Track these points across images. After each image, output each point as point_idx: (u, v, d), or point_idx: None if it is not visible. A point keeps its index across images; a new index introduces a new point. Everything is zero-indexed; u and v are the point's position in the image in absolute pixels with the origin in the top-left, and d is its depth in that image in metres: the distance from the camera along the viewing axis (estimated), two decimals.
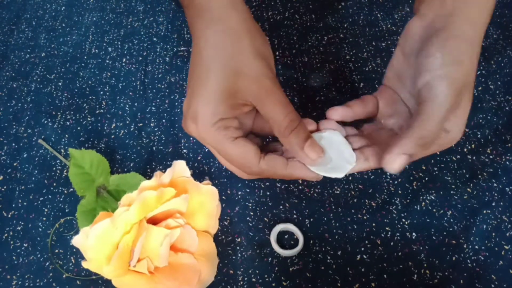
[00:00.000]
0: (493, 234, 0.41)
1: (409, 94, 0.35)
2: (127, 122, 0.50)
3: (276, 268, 0.40)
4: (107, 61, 0.56)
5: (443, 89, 0.30)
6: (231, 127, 0.32)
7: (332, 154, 0.34)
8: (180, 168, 0.38)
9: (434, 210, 0.43)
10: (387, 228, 0.42)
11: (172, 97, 0.52)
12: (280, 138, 0.32)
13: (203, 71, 0.32)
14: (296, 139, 0.31)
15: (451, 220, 0.42)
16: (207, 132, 0.31)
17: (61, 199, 0.44)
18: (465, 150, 0.47)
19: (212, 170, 0.46)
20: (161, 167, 0.46)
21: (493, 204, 0.43)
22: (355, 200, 0.44)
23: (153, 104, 0.52)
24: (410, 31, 0.35)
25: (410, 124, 0.32)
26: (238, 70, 0.31)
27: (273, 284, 0.39)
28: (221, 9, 0.32)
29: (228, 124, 0.32)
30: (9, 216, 0.43)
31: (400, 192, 0.44)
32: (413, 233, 0.42)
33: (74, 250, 0.41)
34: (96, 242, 0.34)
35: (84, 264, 0.35)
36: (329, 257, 0.40)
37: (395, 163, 0.31)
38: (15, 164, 0.47)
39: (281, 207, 0.43)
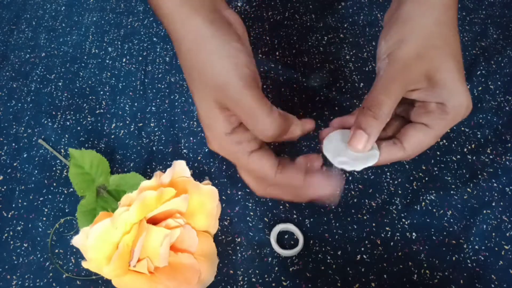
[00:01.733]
0: (493, 234, 0.41)
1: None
2: (127, 122, 0.50)
3: (276, 268, 0.40)
4: (107, 61, 0.56)
5: (385, 67, 0.32)
6: (243, 142, 0.31)
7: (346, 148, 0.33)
8: (180, 168, 0.38)
9: (434, 210, 0.43)
10: (387, 228, 0.42)
11: (172, 97, 0.52)
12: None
13: (192, 94, 0.32)
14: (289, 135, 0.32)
15: (451, 220, 0.42)
16: (223, 150, 0.31)
17: (61, 199, 0.44)
18: (465, 150, 0.47)
19: (212, 170, 0.46)
20: (161, 167, 0.46)
21: (493, 204, 0.43)
22: (355, 200, 0.44)
23: (153, 104, 0.52)
24: (384, 21, 0.36)
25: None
26: (208, 83, 0.30)
27: (273, 284, 0.39)
28: (178, 29, 0.31)
29: (240, 139, 0.31)
30: (9, 216, 0.43)
31: (400, 192, 0.44)
32: (413, 233, 0.42)
33: (74, 250, 0.41)
34: (96, 242, 0.34)
35: (84, 264, 0.35)
36: (329, 257, 0.40)
37: (355, 141, 0.32)
38: (15, 164, 0.47)
39: (281, 207, 0.43)
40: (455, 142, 0.47)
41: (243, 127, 0.31)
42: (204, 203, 0.38)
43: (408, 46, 0.31)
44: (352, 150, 0.32)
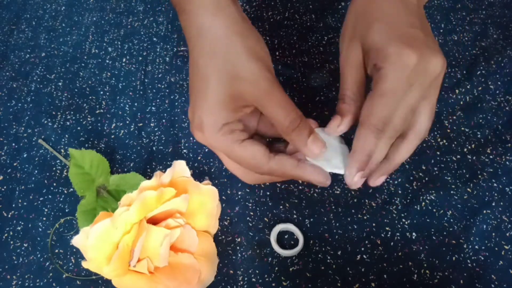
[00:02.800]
0: (493, 234, 0.41)
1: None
2: (127, 122, 0.50)
3: (276, 268, 0.40)
4: (107, 61, 0.56)
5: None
6: (236, 130, 0.32)
7: (337, 150, 0.34)
8: (180, 168, 0.38)
9: (434, 210, 0.43)
10: (387, 228, 0.42)
11: (172, 97, 0.52)
12: (284, 137, 0.33)
13: (201, 79, 0.32)
14: (298, 136, 0.32)
15: (451, 220, 0.42)
16: (214, 138, 0.32)
17: (61, 199, 0.44)
18: (465, 150, 0.47)
19: (212, 170, 0.46)
20: (161, 167, 0.46)
21: (493, 204, 0.43)
22: (355, 200, 0.44)
23: (153, 104, 0.52)
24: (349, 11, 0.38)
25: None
26: (234, 75, 0.31)
27: (273, 284, 0.39)
28: (209, 14, 0.32)
29: (233, 127, 0.32)
30: (9, 216, 0.43)
31: (400, 192, 0.44)
32: (413, 233, 0.42)
33: (74, 250, 0.41)
34: (96, 242, 0.34)
35: (84, 264, 0.35)
36: (329, 257, 0.40)
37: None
38: (15, 164, 0.47)
39: (281, 207, 0.43)
40: (455, 142, 0.48)
41: (236, 121, 0.33)
42: (204, 203, 0.38)
43: (379, 24, 0.33)
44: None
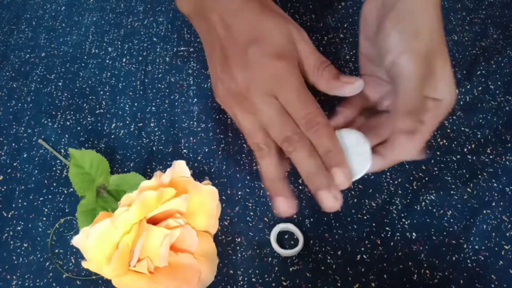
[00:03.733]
0: (493, 234, 0.41)
1: (385, 73, 0.36)
2: (127, 122, 0.50)
3: (276, 268, 0.40)
4: (107, 61, 0.56)
5: (406, 63, 0.33)
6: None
7: (351, 153, 0.35)
8: (180, 168, 0.38)
9: (434, 210, 0.43)
10: (387, 228, 0.42)
11: (172, 97, 0.52)
12: (316, 79, 0.36)
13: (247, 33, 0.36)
14: (330, 72, 0.36)
15: (451, 220, 0.42)
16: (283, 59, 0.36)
17: (61, 199, 0.44)
18: (465, 150, 0.47)
19: (212, 170, 0.46)
20: (161, 167, 0.46)
21: (493, 204, 0.43)
22: (355, 200, 0.44)
23: (153, 104, 0.52)
24: (366, 15, 0.38)
25: (393, 104, 0.34)
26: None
27: (273, 284, 0.39)
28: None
29: None
30: (9, 216, 0.43)
31: (400, 192, 0.44)
32: (413, 233, 0.42)
33: (74, 250, 0.41)
34: (96, 242, 0.34)
35: (84, 264, 0.35)
36: (329, 257, 0.40)
37: (402, 145, 0.33)
38: (15, 164, 0.47)
39: None
40: (455, 142, 0.48)
41: None
42: (204, 203, 0.38)
43: (423, 41, 0.33)
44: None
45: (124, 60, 0.56)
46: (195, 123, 0.50)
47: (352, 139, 0.35)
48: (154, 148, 0.48)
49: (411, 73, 0.33)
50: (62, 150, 0.48)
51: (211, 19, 0.36)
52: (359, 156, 0.35)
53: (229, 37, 0.35)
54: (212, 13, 0.36)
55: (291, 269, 0.40)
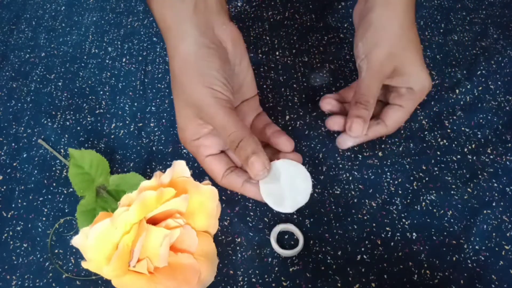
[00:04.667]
0: (494, 234, 0.41)
1: None
2: (127, 122, 0.50)
3: (276, 269, 0.40)
4: (107, 61, 0.56)
5: (364, 66, 0.42)
6: (201, 146, 0.39)
7: (285, 184, 0.37)
8: (180, 168, 0.38)
9: (435, 210, 0.43)
10: (387, 228, 0.42)
11: (172, 97, 0.52)
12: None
13: (174, 101, 0.39)
14: (240, 156, 0.36)
15: (452, 220, 0.42)
16: (189, 148, 0.40)
17: (61, 199, 0.44)
18: (465, 150, 0.47)
19: None
20: (161, 167, 0.46)
21: (494, 204, 0.43)
22: (355, 200, 0.44)
23: (153, 104, 0.52)
24: (354, 17, 0.46)
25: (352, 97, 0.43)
26: (188, 100, 0.37)
27: (273, 285, 0.39)
28: (172, 46, 0.37)
29: (200, 143, 0.39)
30: (9, 216, 0.43)
31: (400, 192, 0.44)
32: (414, 233, 0.42)
33: (74, 250, 0.41)
34: (96, 242, 0.34)
35: (84, 264, 0.35)
36: (329, 257, 0.40)
37: (354, 127, 0.40)
38: (14, 164, 0.47)
39: None
40: (455, 142, 0.47)
41: (206, 135, 0.38)
42: (204, 203, 0.38)
43: (382, 49, 0.41)
44: (353, 134, 0.41)
45: (124, 60, 0.56)
46: None
47: (292, 170, 0.38)
48: (154, 148, 0.48)
49: (366, 74, 0.42)
50: (62, 150, 0.48)
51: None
52: (301, 184, 0.38)
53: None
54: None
55: (291, 269, 0.40)
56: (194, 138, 0.39)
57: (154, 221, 0.37)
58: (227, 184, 0.39)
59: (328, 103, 0.45)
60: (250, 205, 0.44)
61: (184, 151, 0.47)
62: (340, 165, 0.46)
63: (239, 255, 0.41)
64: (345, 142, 0.43)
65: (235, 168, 0.40)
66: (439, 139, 0.48)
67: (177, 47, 0.37)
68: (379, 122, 0.43)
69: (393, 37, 0.41)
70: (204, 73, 0.36)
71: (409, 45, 0.41)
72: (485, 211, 0.42)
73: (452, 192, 0.44)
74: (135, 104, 0.52)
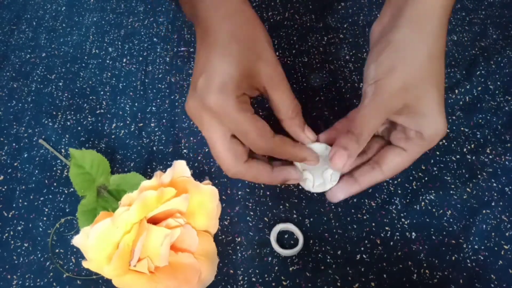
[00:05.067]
0: (493, 234, 0.41)
1: None
2: (128, 122, 0.50)
3: (276, 268, 0.40)
4: (108, 61, 0.56)
5: (371, 95, 0.33)
6: (249, 103, 0.34)
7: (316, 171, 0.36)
8: (180, 168, 0.38)
9: (434, 210, 0.43)
10: (386, 228, 0.42)
11: (172, 97, 0.52)
12: (286, 121, 0.35)
13: (223, 54, 0.32)
14: (299, 121, 0.35)
15: (451, 220, 0.42)
16: (229, 104, 0.31)
17: (62, 199, 0.44)
18: (465, 150, 0.47)
19: (212, 170, 0.46)
20: (161, 167, 0.46)
21: (493, 204, 0.43)
22: (354, 200, 0.44)
23: (154, 104, 0.52)
24: (371, 34, 0.37)
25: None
26: (258, 55, 0.33)
27: (273, 284, 0.39)
28: (237, 3, 0.34)
29: (247, 100, 0.33)
30: (10, 216, 0.43)
31: (399, 192, 0.44)
32: (413, 233, 0.42)
33: (75, 250, 0.41)
34: (97, 242, 0.34)
35: (85, 264, 0.35)
36: (329, 257, 0.41)
37: (336, 159, 0.33)
38: (15, 164, 0.47)
39: (281, 207, 0.44)
40: (455, 142, 0.48)
41: (251, 94, 0.34)
42: (204, 203, 0.38)
43: (397, 76, 0.32)
44: (333, 167, 0.34)
45: (124, 60, 0.56)
46: None
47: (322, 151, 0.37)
48: (154, 148, 0.48)
49: (369, 103, 0.33)
50: (63, 150, 0.48)
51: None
52: (325, 172, 0.36)
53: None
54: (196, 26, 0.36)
55: (291, 268, 0.40)
56: (242, 92, 0.32)
57: (154, 221, 0.37)
58: (280, 143, 0.34)
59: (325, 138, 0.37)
60: (250, 205, 0.44)
61: (185, 151, 0.47)
62: None
63: (239, 255, 0.41)
64: (335, 194, 0.36)
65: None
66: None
67: (238, 7, 0.35)
68: (374, 167, 0.35)
69: (416, 65, 0.32)
70: (269, 39, 0.35)
71: (431, 79, 0.32)
72: (484, 211, 0.43)
73: (451, 192, 0.44)
74: (136, 104, 0.52)
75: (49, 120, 0.50)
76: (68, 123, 0.50)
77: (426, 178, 0.45)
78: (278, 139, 0.33)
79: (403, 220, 0.43)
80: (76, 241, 0.35)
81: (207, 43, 0.33)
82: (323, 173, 0.36)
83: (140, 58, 0.56)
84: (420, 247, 0.41)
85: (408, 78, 0.32)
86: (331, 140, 0.36)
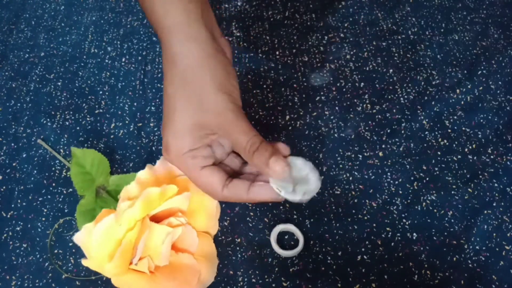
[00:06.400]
0: (494, 234, 0.41)
1: None
2: (127, 122, 0.50)
3: (276, 269, 0.40)
4: (107, 60, 0.56)
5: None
6: (199, 157, 0.34)
7: (295, 177, 0.35)
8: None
9: (435, 211, 0.43)
10: (387, 229, 0.42)
11: None
12: (248, 161, 0.34)
13: (169, 106, 0.34)
14: (259, 158, 0.33)
15: (452, 220, 0.42)
16: (177, 161, 0.34)
17: (60, 199, 0.44)
18: (466, 150, 0.47)
19: None
20: (153, 163, 0.46)
21: (494, 204, 0.43)
22: (355, 201, 0.44)
23: (153, 104, 0.51)
24: None
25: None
26: (201, 107, 0.33)
27: (273, 285, 0.39)
28: (181, 43, 0.33)
29: (197, 153, 0.34)
30: (8, 216, 0.43)
31: (400, 192, 0.44)
32: (414, 234, 0.42)
33: (74, 250, 0.41)
34: (100, 239, 0.34)
35: (84, 262, 0.35)
36: (329, 258, 0.40)
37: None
38: (14, 164, 0.47)
39: (281, 207, 0.43)
40: (456, 142, 0.47)
41: (203, 146, 0.34)
42: (204, 203, 0.38)
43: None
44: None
45: (123, 59, 0.56)
46: None
47: (299, 164, 0.36)
48: (153, 148, 0.48)
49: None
50: (62, 150, 0.48)
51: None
52: (309, 174, 0.35)
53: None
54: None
55: (291, 269, 0.40)
56: (192, 147, 0.34)
57: (156, 220, 0.37)
58: (230, 194, 0.35)
59: None
60: (250, 205, 0.43)
61: None
62: (340, 165, 0.46)
63: (239, 256, 0.41)
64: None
65: (231, 178, 0.36)
66: (440, 139, 0.48)
67: (189, 48, 0.33)
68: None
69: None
70: (222, 78, 0.34)
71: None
72: (485, 211, 0.42)
73: (452, 192, 0.44)
74: (135, 104, 0.51)
75: (48, 120, 0.50)
76: (67, 123, 0.50)
77: (427, 179, 0.45)
78: (228, 192, 0.34)
79: (404, 220, 0.42)
80: (77, 238, 0.35)
81: (164, 89, 0.35)
82: (304, 178, 0.35)
83: (139, 58, 0.56)
84: (421, 248, 0.41)
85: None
86: None
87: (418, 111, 0.50)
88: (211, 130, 0.34)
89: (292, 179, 0.36)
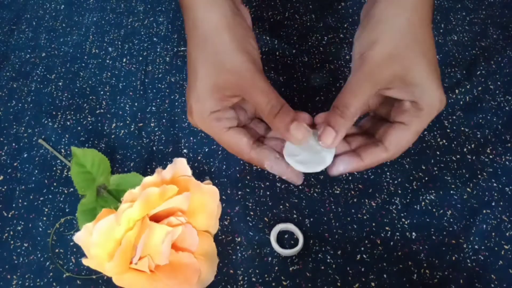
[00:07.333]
0: (493, 234, 0.41)
1: None
2: (127, 122, 0.50)
3: (276, 268, 0.40)
4: (107, 61, 0.56)
5: (357, 68, 0.34)
6: (223, 119, 0.35)
7: (309, 152, 0.35)
8: (181, 166, 0.38)
9: (434, 210, 0.43)
10: (387, 228, 0.42)
11: (172, 97, 0.52)
12: (269, 124, 0.35)
13: (191, 70, 0.35)
14: (280, 122, 0.33)
15: (451, 220, 0.42)
16: (202, 124, 0.35)
17: (61, 199, 0.44)
18: (465, 150, 0.47)
19: (212, 170, 0.46)
20: (161, 167, 0.46)
21: (493, 204, 0.43)
22: (355, 200, 0.44)
23: (153, 104, 0.52)
24: (361, 17, 0.38)
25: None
26: (220, 67, 0.34)
27: (273, 284, 0.39)
28: (203, 8, 0.34)
29: (220, 116, 0.35)
30: (9, 216, 0.43)
31: (400, 191, 0.44)
32: (413, 233, 0.42)
33: (75, 249, 0.41)
34: (100, 238, 0.34)
35: (85, 261, 0.35)
36: (329, 257, 0.41)
37: (323, 136, 0.34)
38: (15, 164, 0.47)
39: (281, 207, 0.43)
40: (455, 142, 0.48)
41: (226, 108, 0.35)
42: (205, 202, 0.38)
43: (380, 47, 0.33)
44: (322, 145, 0.34)
45: (124, 60, 0.56)
46: None
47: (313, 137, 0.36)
48: (154, 148, 0.48)
49: (355, 76, 0.34)
50: (63, 150, 0.48)
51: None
52: (318, 154, 0.36)
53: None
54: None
55: (291, 268, 0.40)
56: (214, 109, 0.34)
57: (156, 220, 0.37)
58: (257, 157, 0.35)
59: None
60: (250, 204, 0.44)
61: (185, 151, 0.47)
62: None
63: (239, 255, 0.41)
64: (337, 167, 0.35)
65: (259, 142, 0.36)
66: (439, 139, 0.48)
67: (209, 11, 0.34)
68: (377, 144, 0.35)
69: (397, 34, 0.33)
70: (242, 39, 0.34)
71: (415, 47, 0.33)
72: (484, 211, 0.43)
73: (451, 192, 0.44)
74: (136, 104, 0.52)
75: (49, 120, 0.50)
76: (68, 123, 0.50)
77: (426, 178, 0.45)
78: (255, 154, 0.35)
79: (403, 220, 0.42)
80: (78, 237, 0.35)
81: (187, 52, 0.36)
82: (317, 152, 0.35)
83: (140, 58, 0.56)
84: (420, 247, 0.41)
85: (391, 48, 0.32)
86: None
87: None
88: (232, 91, 0.34)
89: (305, 151, 0.35)
